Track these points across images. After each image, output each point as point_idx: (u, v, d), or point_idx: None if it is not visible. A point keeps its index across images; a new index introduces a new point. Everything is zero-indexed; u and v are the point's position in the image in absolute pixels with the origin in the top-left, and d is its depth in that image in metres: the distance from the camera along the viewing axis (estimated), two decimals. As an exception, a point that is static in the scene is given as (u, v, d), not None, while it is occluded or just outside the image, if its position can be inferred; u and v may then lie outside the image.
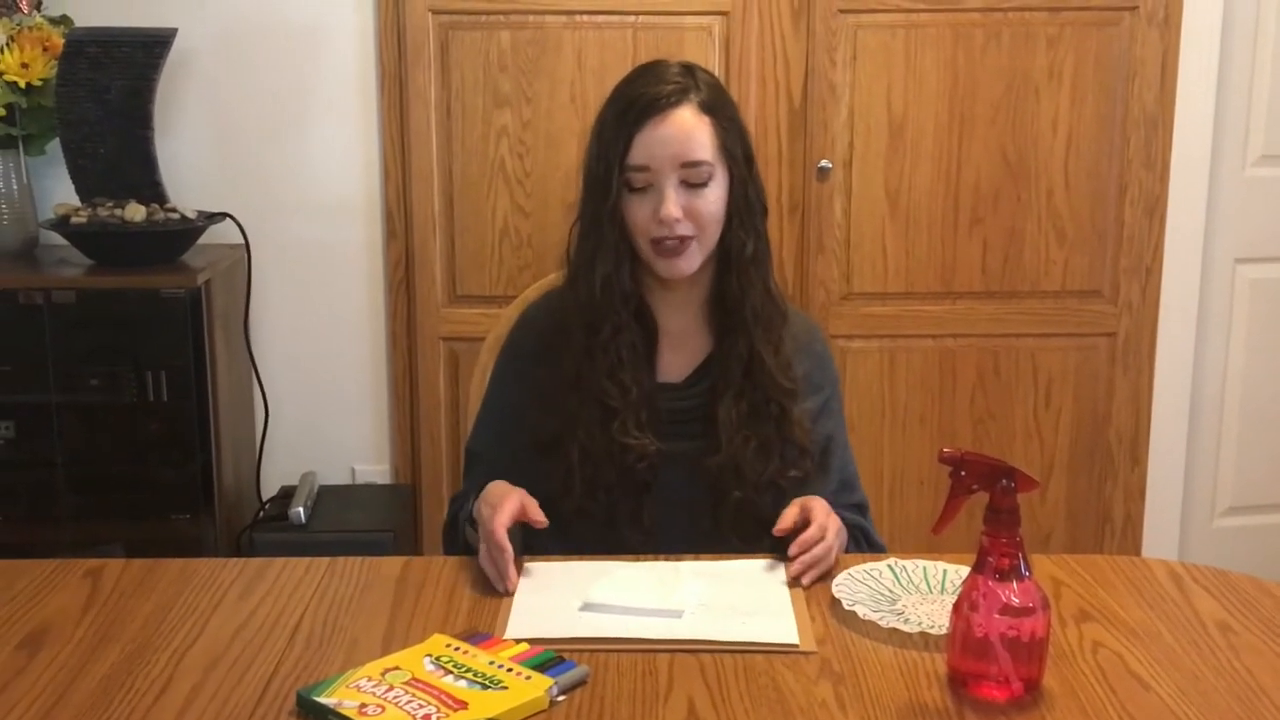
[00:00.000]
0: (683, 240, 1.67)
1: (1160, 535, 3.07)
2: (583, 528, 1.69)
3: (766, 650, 1.38)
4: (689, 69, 1.72)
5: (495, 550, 1.53)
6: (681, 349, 1.77)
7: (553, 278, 1.93)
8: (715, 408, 1.72)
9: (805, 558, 1.55)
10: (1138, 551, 2.96)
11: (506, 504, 1.57)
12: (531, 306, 1.87)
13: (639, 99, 1.67)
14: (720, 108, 1.70)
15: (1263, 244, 3.07)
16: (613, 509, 1.70)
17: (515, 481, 1.69)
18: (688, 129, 1.66)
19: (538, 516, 1.59)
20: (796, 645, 1.39)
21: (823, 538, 1.57)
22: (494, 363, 1.87)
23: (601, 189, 1.68)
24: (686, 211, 1.66)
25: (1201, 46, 2.88)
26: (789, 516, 1.60)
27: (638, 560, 1.62)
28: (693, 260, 1.69)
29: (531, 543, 1.65)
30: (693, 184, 1.66)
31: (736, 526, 1.70)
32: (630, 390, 1.70)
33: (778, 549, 1.61)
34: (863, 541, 1.74)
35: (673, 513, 1.71)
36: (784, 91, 2.76)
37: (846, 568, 1.55)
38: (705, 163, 1.67)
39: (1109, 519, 2.97)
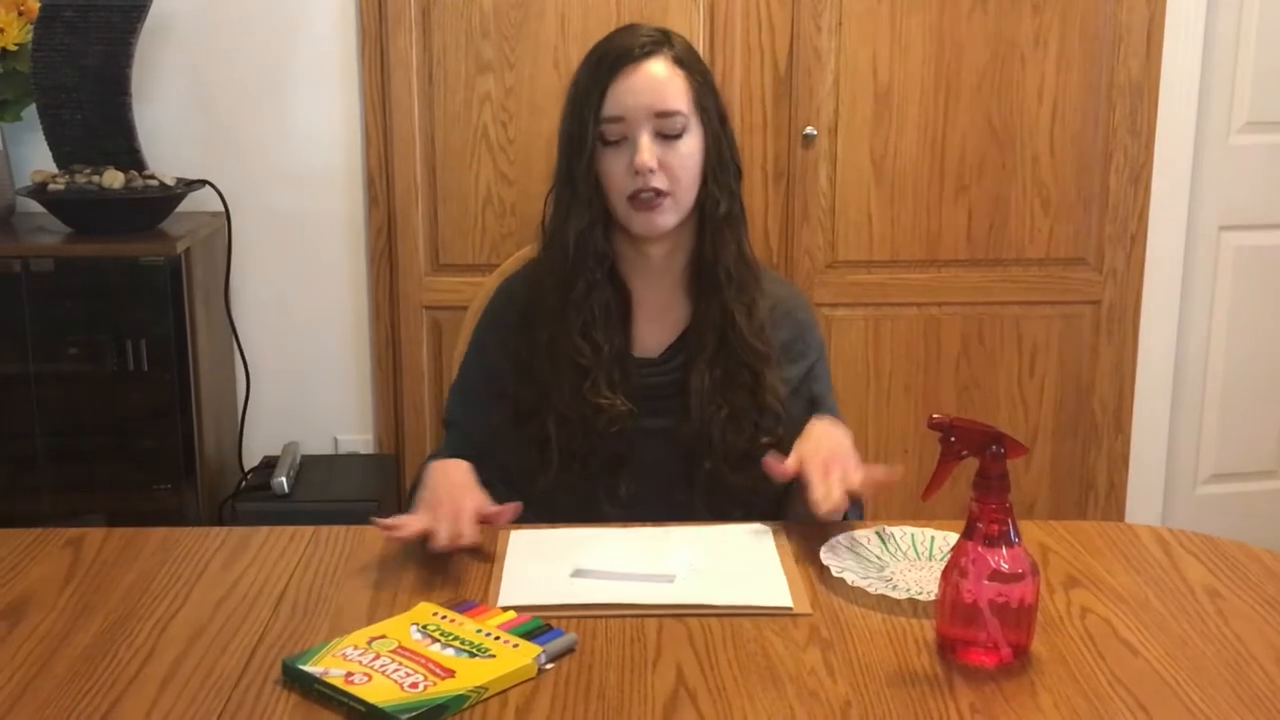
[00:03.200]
0: (658, 194, 1.65)
1: (1144, 502, 3.08)
2: (561, 502, 1.68)
3: (761, 613, 1.37)
4: (663, 30, 1.71)
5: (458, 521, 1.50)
6: (658, 321, 1.75)
7: (530, 249, 1.91)
8: (689, 378, 1.71)
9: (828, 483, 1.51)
10: (1121, 519, 2.97)
11: (469, 499, 1.54)
12: (510, 278, 1.85)
13: (611, 52, 1.66)
14: (694, 64, 1.70)
15: (1247, 211, 3.07)
16: (590, 482, 1.69)
17: (492, 452, 1.69)
18: (662, 79, 1.65)
19: (502, 516, 1.55)
20: (790, 608, 1.38)
21: (827, 467, 1.53)
22: (471, 333, 1.86)
23: (576, 145, 1.67)
24: (661, 163, 1.64)
25: (1187, 14, 2.87)
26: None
27: (627, 527, 1.61)
28: (668, 217, 1.67)
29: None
30: (668, 135, 1.65)
31: (709, 499, 1.69)
32: (602, 348, 1.69)
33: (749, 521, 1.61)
34: (853, 512, 1.74)
35: (650, 487, 1.70)
36: (769, 58, 2.74)
37: (834, 535, 1.55)
38: (679, 113, 1.65)
39: (1093, 486, 2.97)
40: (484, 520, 1.53)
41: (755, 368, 1.71)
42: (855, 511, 1.75)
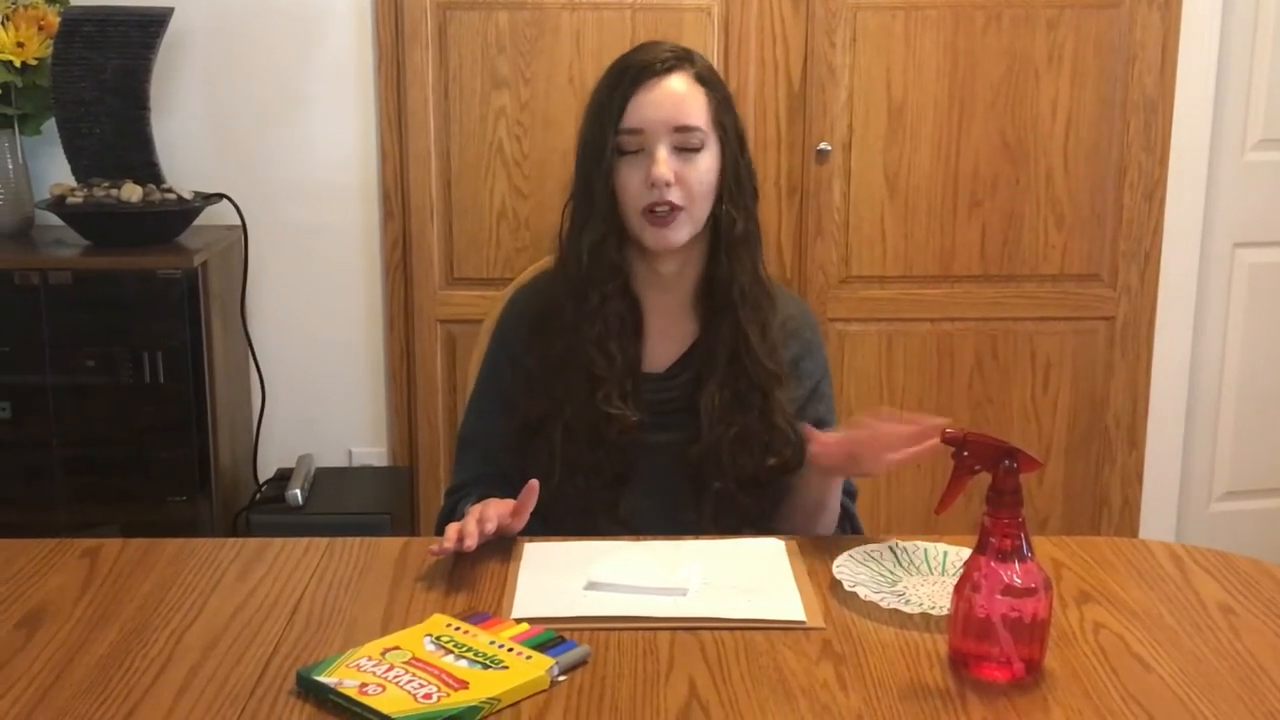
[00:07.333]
0: (673, 209, 1.65)
1: (1157, 519, 3.07)
2: (560, 515, 1.68)
3: (773, 627, 1.37)
4: (685, 48, 1.72)
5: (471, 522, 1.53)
6: (666, 337, 1.76)
7: (543, 262, 1.91)
8: (698, 397, 1.71)
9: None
10: (1135, 535, 2.96)
11: (496, 504, 1.57)
12: (520, 290, 1.86)
13: (633, 65, 1.67)
14: (715, 83, 1.70)
15: (1261, 228, 3.07)
16: (590, 496, 1.69)
17: (506, 466, 1.69)
18: (682, 94, 1.66)
19: (526, 500, 1.57)
20: (804, 622, 1.38)
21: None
22: (484, 350, 1.86)
23: (594, 156, 1.67)
24: (678, 178, 1.64)
25: (1202, 30, 2.87)
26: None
27: (639, 540, 1.61)
28: (681, 232, 1.67)
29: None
30: (685, 150, 1.65)
31: (717, 519, 1.69)
32: (615, 359, 1.69)
33: None
34: (846, 524, 1.75)
35: (654, 504, 1.70)
36: (783, 74, 2.75)
37: (847, 549, 1.55)
38: (698, 129, 1.66)
39: (1106, 503, 2.97)
40: (516, 510, 1.55)
41: (766, 388, 1.71)
42: (851, 526, 1.75)
